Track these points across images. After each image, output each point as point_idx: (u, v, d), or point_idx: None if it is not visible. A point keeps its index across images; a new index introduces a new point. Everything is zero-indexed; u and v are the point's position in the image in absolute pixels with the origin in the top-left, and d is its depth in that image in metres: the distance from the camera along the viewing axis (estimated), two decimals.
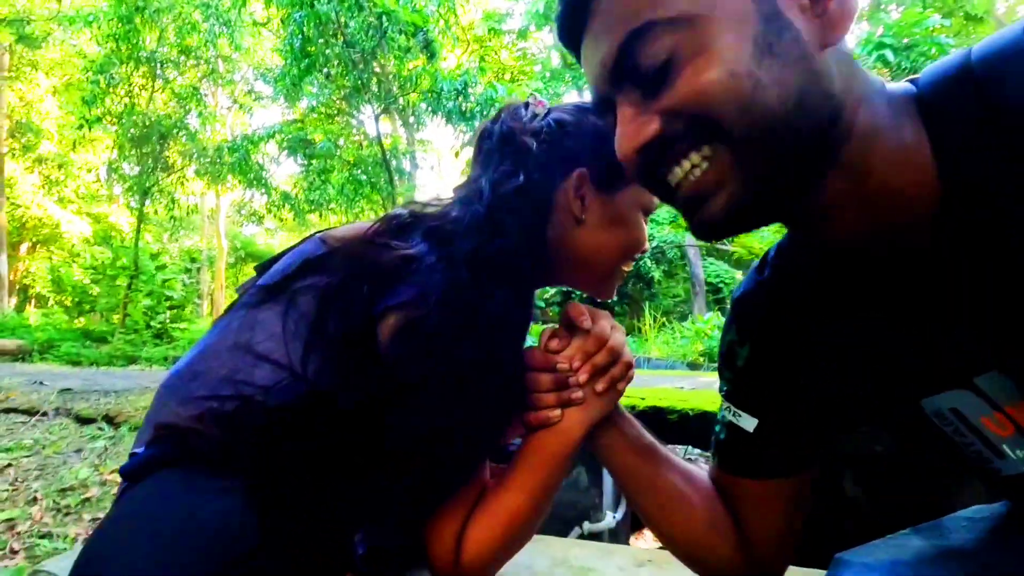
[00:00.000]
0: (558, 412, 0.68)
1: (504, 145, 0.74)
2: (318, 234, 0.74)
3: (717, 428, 0.65)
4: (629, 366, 0.70)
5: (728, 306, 0.67)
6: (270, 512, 0.57)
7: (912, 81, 0.44)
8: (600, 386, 0.68)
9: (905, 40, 8.96)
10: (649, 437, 0.72)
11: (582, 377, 0.68)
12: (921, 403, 0.50)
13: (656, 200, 0.74)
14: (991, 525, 0.55)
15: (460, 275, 0.62)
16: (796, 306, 0.55)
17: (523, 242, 0.68)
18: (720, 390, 0.65)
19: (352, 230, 0.72)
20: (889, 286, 0.47)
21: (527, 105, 0.78)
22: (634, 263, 0.80)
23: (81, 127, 9.28)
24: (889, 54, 8.80)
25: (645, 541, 1.99)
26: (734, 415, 0.62)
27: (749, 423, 0.60)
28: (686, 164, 0.43)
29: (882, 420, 0.57)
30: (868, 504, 1.60)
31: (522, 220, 0.68)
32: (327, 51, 7.85)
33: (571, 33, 0.48)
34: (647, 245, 0.78)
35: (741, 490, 0.64)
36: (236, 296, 0.76)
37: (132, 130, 9.54)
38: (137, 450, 0.64)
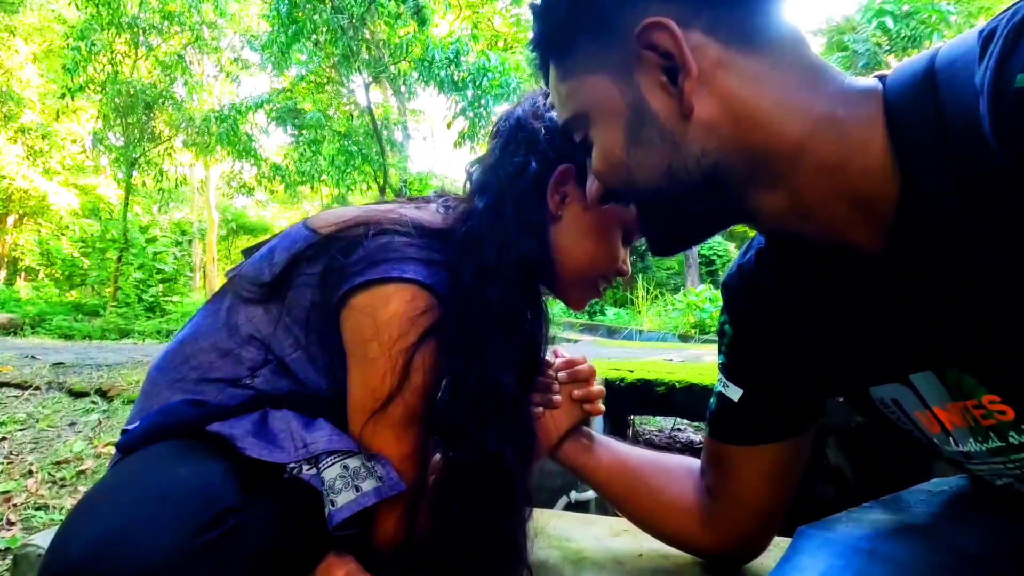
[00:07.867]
0: (540, 410, 0.79)
1: (518, 131, 0.74)
2: (303, 221, 0.76)
3: (712, 399, 0.70)
4: (601, 393, 0.81)
5: (720, 278, 0.74)
6: (251, 481, 0.58)
7: (882, 77, 0.43)
8: (577, 392, 0.79)
9: (905, 7, 8.78)
10: (615, 443, 0.82)
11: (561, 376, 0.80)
12: (869, 390, 0.53)
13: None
14: (949, 498, 0.58)
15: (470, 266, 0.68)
16: (771, 290, 0.58)
17: (525, 232, 0.70)
18: (719, 364, 0.70)
19: (337, 215, 0.73)
20: (841, 280, 0.49)
21: (547, 94, 0.75)
22: (609, 284, 0.78)
23: (64, 96, 9.06)
24: (889, 21, 8.64)
25: None
26: (724, 386, 0.67)
27: (735, 393, 0.65)
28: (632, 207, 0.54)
29: (844, 398, 0.60)
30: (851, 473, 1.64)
31: (527, 212, 0.71)
32: (315, 17, 7.63)
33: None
34: (626, 269, 0.77)
35: (728, 456, 0.68)
36: (226, 279, 0.78)
37: (116, 99, 9.29)
38: (130, 426, 0.66)
